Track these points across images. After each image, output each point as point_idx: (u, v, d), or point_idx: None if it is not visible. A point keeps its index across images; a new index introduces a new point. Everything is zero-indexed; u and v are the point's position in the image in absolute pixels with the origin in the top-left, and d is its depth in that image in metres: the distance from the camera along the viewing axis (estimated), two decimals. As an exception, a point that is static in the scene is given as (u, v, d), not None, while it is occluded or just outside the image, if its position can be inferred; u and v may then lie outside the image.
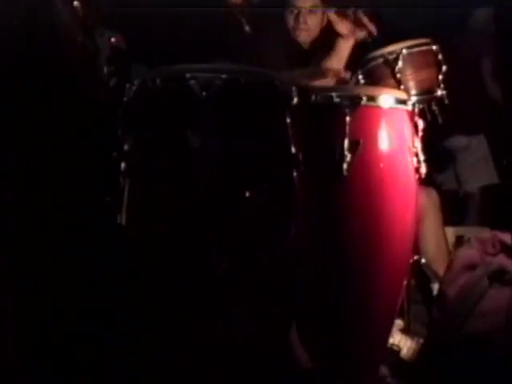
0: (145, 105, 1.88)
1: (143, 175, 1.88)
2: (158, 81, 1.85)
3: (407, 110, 2.20)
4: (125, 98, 1.92)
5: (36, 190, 1.95)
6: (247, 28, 2.55)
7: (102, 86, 2.34)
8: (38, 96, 2.04)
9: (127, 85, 1.94)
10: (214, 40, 2.42)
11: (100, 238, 1.98)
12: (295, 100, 1.91)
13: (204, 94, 1.78)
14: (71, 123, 2.04)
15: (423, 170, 2.21)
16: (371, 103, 2.08)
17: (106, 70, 2.52)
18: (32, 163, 2.03)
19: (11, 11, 2.07)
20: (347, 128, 2.04)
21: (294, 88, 1.92)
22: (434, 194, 2.99)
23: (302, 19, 3.09)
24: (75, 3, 2.32)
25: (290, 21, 3.10)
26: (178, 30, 2.53)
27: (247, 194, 1.80)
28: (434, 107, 2.69)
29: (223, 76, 1.80)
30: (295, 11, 3.09)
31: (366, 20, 2.76)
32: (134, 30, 2.93)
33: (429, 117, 2.65)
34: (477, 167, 3.91)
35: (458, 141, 3.83)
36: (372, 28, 2.77)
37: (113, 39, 2.77)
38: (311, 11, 3.12)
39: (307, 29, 3.10)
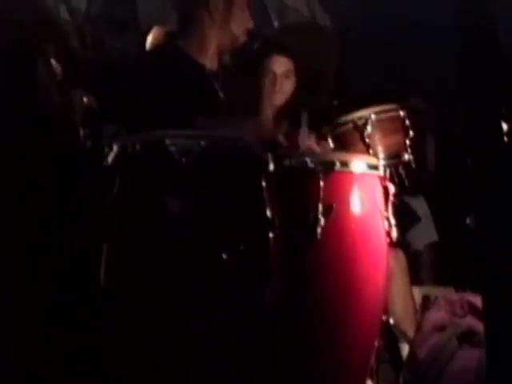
0: (124, 169, 1.91)
1: (121, 239, 1.89)
2: (137, 146, 1.88)
3: (379, 175, 2.26)
4: (104, 163, 1.94)
5: (13, 253, 1.95)
6: (221, 94, 2.60)
7: (80, 149, 2.36)
8: (18, 157, 2.06)
9: (106, 149, 1.96)
10: (189, 104, 2.46)
11: (78, 302, 1.98)
12: (271, 166, 1.96)
13: (183, 159, 1.81)
14: (49, 187, 2.06)
15: (394, 233, 2.26)
16: (344, 168, 2.14)
17: (81, 132, 2.54)
18: (8, 225, 2.04)
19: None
20: (321, 192, 2.09)
21: (269, 154, 1.97)
22: (400, 255, 3.05)
23: (278, 84, 3.15)
24: (55, 64, 2.35)
25: (267, 85, 3.16)
26: (151, 92, 2.55)
27: (224, 257, 1.83)
28: (401, 171, 2.77)
29: (202, 143, 1.84)
30: (271, 76, 3.15)
31: None
32: (106, 90, 2.96)
33: (396, 180, 2.72)
34: (419, 226, 4.05)
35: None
36: None
37: (85, 99, 2.79)
38: (287, 76, 3.19)
39: (282, 92, 3.16)
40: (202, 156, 1.83)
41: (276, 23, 4.42)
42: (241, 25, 2.63)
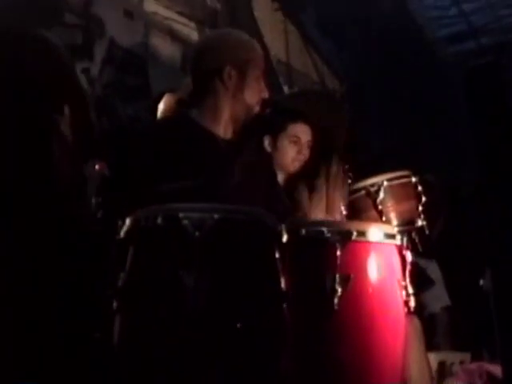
0: (137, 243, 1.90)
1: (135, 313, 1.87)
2: (150, 220, 1.87)
3: (396, 244, 2.23)
4: (117, 236, 1.93)
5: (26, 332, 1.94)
6: (235, 163, 2.59)
7: (92, 220, 2.36)
8: (31, 233, 2.06)
9: (119, 222, 1.95)
10: (202, 174, 2.44)
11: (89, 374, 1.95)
12: (285, 237, 1.95)
13: (197, 233, 1.80)
14: (62, 260, 2.05)
15: (412, 303, 2.22)
16: (361, 238, 2.10)
17: (93, 201, 2.53)
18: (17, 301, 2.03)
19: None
20: (338, 262, 2.05)
21: (283, 225, 1.96)
22: (415, 321, 3.00)
23: (304, 151, 3.17)
24: (67, 134, 2.36)
25: (292, 152, 3.18)
26: (164, 162, 2.54)
27: (238, 327, 1.81)
28: (414, 236, 2.76)
29: (215, 215, 1.82)
30: (298, 143, 3.17)
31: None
32: (118, 158, 2.97)
33: (409, 246, 2.70)
34: (433, 289, 4.05)
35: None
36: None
37: (97, 166, 2.80)
38: (308, 146, 3.20)
39: (304, 160, 3.18)
40: (215, 229, 1.82)
41: (286, 88, 4.48)
42: (255, 94, 2.62)
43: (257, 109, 2.63)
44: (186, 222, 1.81)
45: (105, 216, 2.47)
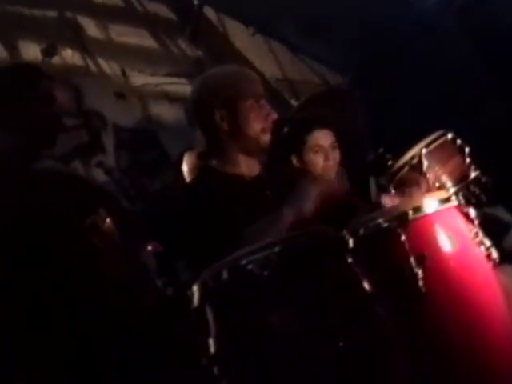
0: (214, 305, 1.88)
1: (240, 373, 1.84)
2: (216, 278, 1.85)
3: (454, 206, 2.18)
4: (191, 306, 1.92)
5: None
6: (269, 193, 2.59)
7: (161, 301, 2.36)
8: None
9: (188, 292, 1.95)
10: (246, 216, 2.43)
11: None
12: (351, 242, 1.91)
13: (265, 273, 1.78)
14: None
15: (494, 254, 2.17)
16: (418, 214, 2.05)
17: (159, 282, 2.55)
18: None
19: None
20: (407, 246, 2.01)
21: (345, 231, 1.93)
22: (510, 270, 2.92)
23: (330, 156, 3.14)
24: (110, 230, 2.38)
25: (320, 161, 3.15)
26: (207, 220, 2.54)
27: (341, 345, 1.77)
28: (474, 189, 2.69)
29: (276, 249, 1.80)
30: (322, 150, 3.15)
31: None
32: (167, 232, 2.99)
33: (473, 200, 2.64)
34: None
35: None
36: None
37: (149, 247, 2.82)
38: (333, 147, 3.17)
39: (335, 165, 3.15)
40: (281, 262, 1.79)
41: (293, 102, 4.47)
42: (257, 122, 2.61)
43: (267, 135, 2.61)
44: (250, 266, 1.79)
45: (175, 292, 2.48)
